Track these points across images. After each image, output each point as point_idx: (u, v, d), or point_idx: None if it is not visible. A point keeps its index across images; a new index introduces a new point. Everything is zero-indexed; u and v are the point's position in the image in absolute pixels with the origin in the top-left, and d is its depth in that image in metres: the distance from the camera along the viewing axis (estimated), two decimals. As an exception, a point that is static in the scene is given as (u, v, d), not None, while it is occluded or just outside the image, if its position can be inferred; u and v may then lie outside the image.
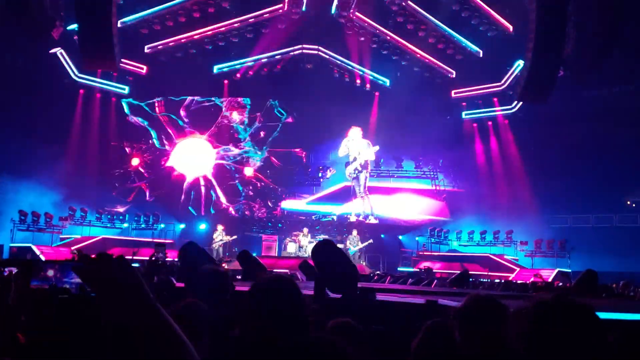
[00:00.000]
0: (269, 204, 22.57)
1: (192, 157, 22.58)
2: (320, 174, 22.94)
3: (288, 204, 22.58)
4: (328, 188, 22.90)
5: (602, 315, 2.01)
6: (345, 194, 22.40)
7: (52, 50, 19.91)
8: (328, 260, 4.78)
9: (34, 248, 17.05)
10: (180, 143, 22.56)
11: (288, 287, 2.09)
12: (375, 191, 22.03)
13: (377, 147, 21.11)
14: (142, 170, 22.06)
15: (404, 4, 18.88)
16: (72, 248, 16.55)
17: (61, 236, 18.91)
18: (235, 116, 22.83)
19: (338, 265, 4.73)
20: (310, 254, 5.25)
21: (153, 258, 8.76)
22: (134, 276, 1.38)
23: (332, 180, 22.96)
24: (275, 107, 22.75)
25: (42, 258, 16.13)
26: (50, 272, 3.97)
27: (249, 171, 22.77)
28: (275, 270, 16.24)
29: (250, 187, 22.77)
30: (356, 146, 21.50)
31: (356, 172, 21.34)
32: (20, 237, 17.82)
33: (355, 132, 21.72)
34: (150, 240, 19.24)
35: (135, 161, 22.08)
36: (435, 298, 4.56)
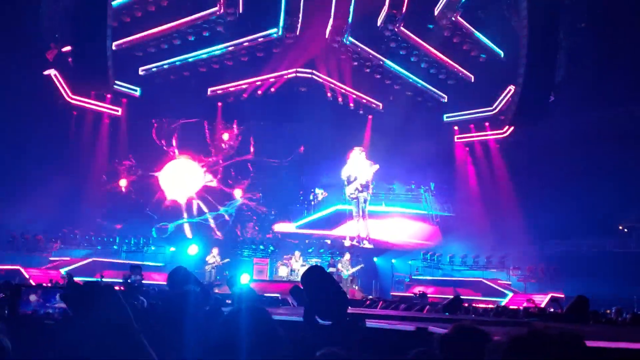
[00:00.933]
0: (255, 227, 22.54)
1: (180, 180, 22.57)
2: (312, 197, 22.92)
3: (279, 227, 22.51)
4: (319, 211, 22.88)
5: (591, 343, 1.99)
6: (337, 219, 22.39)
7: (47, 72, 19.92)
8: (318, 287, 4.72)
9: (22, 270, 16.82)
10: (168, 166, 22.59)
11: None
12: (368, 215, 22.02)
13: (377, 166, 21.15)
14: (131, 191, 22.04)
15: (396, 29, 19.12)
16: (62, 271, 16.34)
17: (50, 258, 18.69)
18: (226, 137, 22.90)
19: (328, 292, 4.67)
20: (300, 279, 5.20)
21: (129, 280, 8.61)
22: (120, 305, 1.40)
23: (324, 203, 22.95)
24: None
25: (30, 281, 15.92)
26: (33, 297, 3.90)
27: (238, 193, 22.76)
28: (266, 294, 16.12)
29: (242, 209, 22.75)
30: (357, 166, 21.50)
31: (357, 192, 21.30)
32: (10, 259, 17.59)
33: (356, 153, 21.76)
34: (141, 263, 19.05)
35: (123, 182, 22.08)
36: (426, 325, 4.50)
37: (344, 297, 4.92)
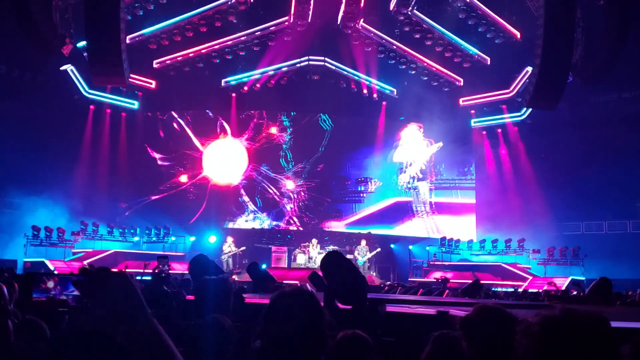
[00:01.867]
0: (305, 220, 22.60)
1: (224, 162, 22.78)
2: (361, 187, 22.73)
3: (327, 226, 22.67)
4: (373, 205, 22.70)
5: (616, 324, 1.95)
6: (397, 213, 22.20)
7: (63, 67, 20.14)
8: (337, 272, 4.74)
9: (47, 262, 17.20)
10: (212, 145, 22.76)
11: (309, 301, 2.09)
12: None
13: (439, 144, 20.43)
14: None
15: (410, 13, 18.92)
16: (84, 262, 16.61)
17: (73, 250, 19.04)
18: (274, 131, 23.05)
19: (347, 277, 4.68)
20: (319, 265, 5.23)
21: (157, 270, 8.77)
22: (132, 290, 1.43)
23: (378, 194, 22.87)
24: (320, 120, 23.02)
25: (55, 272, 16.21)
26: (51, 284, 3.99)
27: (290, 184, 22.93)
28: (285, 281, 16.22)
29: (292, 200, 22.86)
30: (413, 148, 20.74)
31: (414, 180, 20.59)
32: (34, 252, 17.97)
33: (410, 131, 21.16)
34: (162, 253, 19.27)
35: (183, 178, 22.60)
36: (446, 309, 4.49)
37: (363, 282, 4.94)
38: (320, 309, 2.08)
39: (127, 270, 14.05)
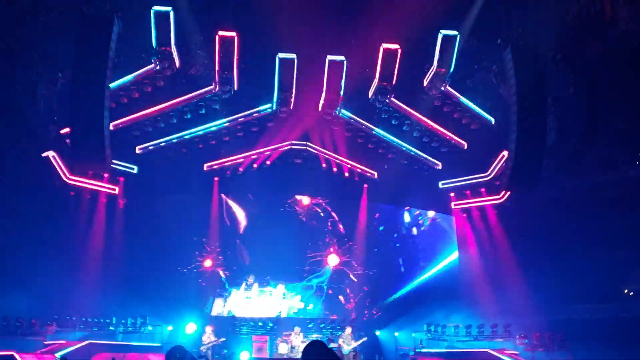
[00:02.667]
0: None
1: None
2: None
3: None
4: None
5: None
6: None
7: (45, 154, 20.13)
8: (318, 363, 4.55)
9: (17, 356, 16.27)
10: None
11: None
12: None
13: None
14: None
15: (387, 101, 19.56)
16: (57, 355, 15.82)
17: (45, 342, 18.16)
18: None
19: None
20: (301, 356, 5.03)
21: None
22: None
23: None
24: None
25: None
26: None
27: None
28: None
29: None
30: None
31: None
32: (4, 344, 17.09)
33: None
34: (138, 344, 18.55)
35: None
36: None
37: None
38: None
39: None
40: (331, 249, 24.36)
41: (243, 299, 23.35)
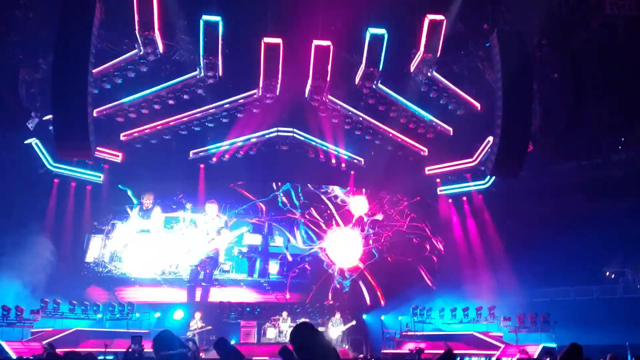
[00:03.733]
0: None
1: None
2: None
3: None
4: None
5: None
6: None
7: (28, 141, 19.88)
8: (307, 344, 4.58)
9: (3, 344, 16.19)
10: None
11: None
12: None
13: None
14: None
15: (374, 87, 19.53)
16: (43, 342, 15.74)
17: (32, 330, 18.04)
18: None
19: (317, 349, 4.53)
20: (289, 339, 5.06)
21: (130, 350, 8.37)
22: None
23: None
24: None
25: (12, 355, 15.33)
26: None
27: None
28: (254, 358, 15.65)
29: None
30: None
31: None
32: (-10, 333, 17.00)
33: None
34: (125, 331, 18.49)
35: None
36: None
37: (335, 354, 4.78)
38: None
39: (106, 349, 13.41)
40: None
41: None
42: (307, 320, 18.55)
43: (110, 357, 15.60)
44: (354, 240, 23.06)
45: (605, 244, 20.46)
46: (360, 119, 21.23)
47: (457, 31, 18.30)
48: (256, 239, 22.45)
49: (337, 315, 19.25)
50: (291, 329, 18.17)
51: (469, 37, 18.90)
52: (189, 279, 20.25)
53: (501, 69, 15.97)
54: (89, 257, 21.39)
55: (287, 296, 21.77)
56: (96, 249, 21.49)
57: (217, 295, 21.06)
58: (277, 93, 19.61)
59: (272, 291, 21.84)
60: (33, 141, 19.98)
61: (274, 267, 22.37)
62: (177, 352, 4.19)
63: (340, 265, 22.61)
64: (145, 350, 10.50)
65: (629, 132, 20.32)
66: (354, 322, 19.36)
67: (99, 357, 12.82)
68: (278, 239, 22.85)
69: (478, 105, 20.32)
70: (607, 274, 22.76)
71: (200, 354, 13.96)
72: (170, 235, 21.60)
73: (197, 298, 21.01)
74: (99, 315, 19.63)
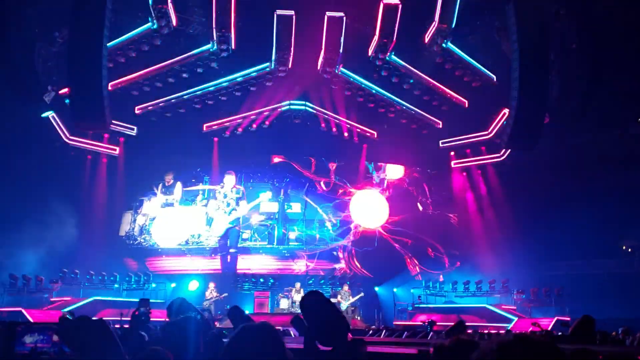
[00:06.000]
0: None
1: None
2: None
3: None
4: None
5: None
6: None
7: (44, 114, 20.11)
8: (316, 312, 4.66)
9: (24, 312, 16.70)
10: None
11: (270, 337, 2.09)
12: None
13: None
14: None
15: (387, 58, 19.35)
16: (63, 310, 16.18)
17: (52, 299, 18.56)
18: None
19: (327, 316, 4.61)
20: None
21: (137, 313, 8.53)
22: (111, 337, 1.42)
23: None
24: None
25: (32, 321, 15.77)
26: (30, 338, 3.85)
27: None
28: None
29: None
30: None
31: None
32: (11, 301, 17.49)
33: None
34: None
35: None
36: (427, 349, 4.43)
37: (344, 322, 4.86)
38: (281, 346, 2.11)
39: (122, 317, 13.73)
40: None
41: (158, 208, 21.23)
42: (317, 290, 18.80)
43: (126, 326, 15.99)
44: (380, 201, 23.01)
45: (622, 217, 20.29)
46: (373, 91, 21.09)
47: (472, 1, 17.96)
48: (273, 207, 22.54)
49: (346, 288, 19.51)
50: (304, 299, 18.27)
51: (485, 7, 18.54)
52: (219, 249, 20.64)
53: (517, 40, 15.68)
54: (122, 231, 22.32)
55: (308, 264, 21.77)
56: (126, 223, 22.37)
57: (241, 263, 21.38)
58: (290, 66, 19.54)
59: (291, 258, 21.98)
60: (50, 114, 20.19)
61: (292, 234, 22.51)
62: (187, 316, 4.30)
63: (365, 226, 22.63)
64: (151, 318, 10.71)
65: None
66: (362, 294, 19.59)
67: (116, 325, 13.11)
68: (295, 205, 22.94)
69: (494, 76, 20.06)
70: (624, 247, 22.62)
71: (215, 324, 14.23)
72: (192, 208, 21.93)
73: (228, 266, 21.36)
74: (116, 285, 20.05)
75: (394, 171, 23.64)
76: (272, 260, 22.01)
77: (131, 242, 21.73)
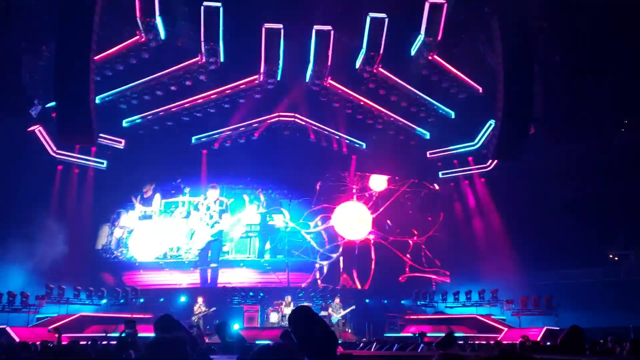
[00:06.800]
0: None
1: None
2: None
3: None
4: None
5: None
6: None
7: (31, 128, 19.97)
8: (304, 327, 4.65)
9: (9, 330, 16.40)
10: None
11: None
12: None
13: None
14: None
15: (375, 71, 19.48)
16: (49, 327, 15.96)
17: (37, 316, 18.29)
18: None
19: (315, 331, 4.60)
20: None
21: (123, 335, 8.50)
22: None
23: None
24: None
25: (17, 339, 15.53)
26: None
27: None
28: (257, 341, 15.80)
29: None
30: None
31: None
32: (-5, 319, 17.23)
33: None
34: (130, 315, 18.68)
35: None
36: (416, 361, 4.44)
37: (333, 336, 4.86)
38: None
39: (106, 335, 13.59)
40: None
41: (136, 221, 21.29)
42: (309, 305, 18.78)
43: (114, 342, 15.84)
44: (363, 213, 23.02)
45: (609, 226, 20.48)
46: (362, 103, 21.20)
47: (457, 14, 18.16)
48: (255, 219, 22.46)
49: (337, 300, 19.45)
50: (293, 312, 18.15)
51: (470, 20, 18.75)
52: (199, 263, 20.45)
53: (502, 52, 15.90)
54: (98, 245, 21.93)
55: (288, 277, 21.61)
56: (104, 236, 21.94)
57: (221, 277, 21.20)
58: (278, 78, 19.61)
59: (272, 271, 21.84)
60: (36, 128, 20.06)
61: (272, 246, 22.46)
62: (174, 335, 4.26)
63: (349, 238, 22.62)
64: (140, 334, 10.64)
65: (631, 114, 20.21)
66: (353, 307, 19.54)
67: (104, 342, 12.99)
68: (277, 217, 22.90)
69: (480, 88, 20.24)
70: (611, 256, 22.77)
71: (204, 339, 14.12)
72: (171, 220, 21.74)
73: (209, 280, 21.16)
74: (104, 301, 19.84)
75: (377, 183, 23.69)
76: (253, 273, 21.90)
77: (107, 255, 21.45)
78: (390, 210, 23.27)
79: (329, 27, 17.83)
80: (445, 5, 17.14)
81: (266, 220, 22.61)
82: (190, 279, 21.14)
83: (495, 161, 21.27)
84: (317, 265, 22.14)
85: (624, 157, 19.98)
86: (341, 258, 22.53)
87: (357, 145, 23.03)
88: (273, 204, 22.94)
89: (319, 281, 21.89)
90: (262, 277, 21.82)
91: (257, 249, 22.17)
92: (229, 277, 21.21)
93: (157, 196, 21.35)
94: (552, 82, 18.19)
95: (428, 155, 23.07)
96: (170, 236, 21.25)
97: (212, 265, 20.14)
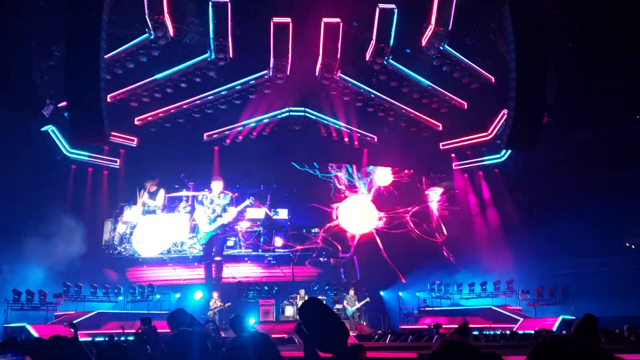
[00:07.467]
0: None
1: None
2: None
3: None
4: None
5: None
6: None
7: (44, 128, 20.15)
8: (315, 319, 4.64)
9: (29, 327, 16.67)
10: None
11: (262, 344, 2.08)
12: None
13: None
14: None
15: (385, 62, 19.35)
16: (64, 322, 16.14)
17: (56, 313, 18.52)
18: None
19: (326, 323, 4.59)
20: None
21: (139, 331, 8.56)
22: (83, 353, 1.42)
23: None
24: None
25: (36, 336, 15.74)
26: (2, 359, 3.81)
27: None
28: (272, 335, 15.86)
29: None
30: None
31: None
32: (15, 317, 17.46)
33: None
34: (146, 312, 18.84)
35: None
36: (428, 352, 4.40)
37: (343, 328, 4.84)
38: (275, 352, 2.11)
39: (123, 330, 13.71)
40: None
41: (139, 216, 21.26)
42: (323, 298, 18.79)
43: (131, 338, 15.99)
44: (368, 207, 22.97)
45: (625, 214, 20.21)
46: (372, 95, 21.10)
47: (468, 3, 17.97)
48: (259, 213, 22.47)
49: (351, 293, 19.43)
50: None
51: (481, 8, 18.54)
52: (204, 258, 20.48)
53: (514, 40, 15.69)
54: (103, 241, 21.96)
55: (293, 271, 21.41)
56: (107, 232, 21.98)
57: (225, 271, 21.23)
58: (288, 73, 19.55)
59: (277, 265, 21.85)
60: (49, 128, 20.24)
61: (278, 241, 22.43)
62: (184, 330, 4.28)
63: (353, 232, 22.59)
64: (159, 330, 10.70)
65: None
66: (367, 300, 19.50)
67: (121, 338, 13.11)
68: (282, 211, 22.86)
69: (492, 77, 20.04)
70: (627, 244, 22.52)
71: (220, 333, 14.18)
72: (175, 215, 21.81)
73: (213, 275, 21.18)
74: (120, 298, 20.02)
75: (382, 177, 23.63)
76: (257, 267, 21.89)
77: (111, 251, 21.54)
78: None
79: (337, 20, 17.74)
80: (455, -7, 16.96)
81: (271, 215, 22.60)
82: (195, 274, 21.15)
83: (509, 151, 21.07)
84: (323, 260, 22.07)
85: (640, 144, 19.74)
86: (352, 251, 22.49)
87: (369, 139, 22.91)
88: (278, 198, 22.91)
89: (332, 275, 21.86)
90: (267, 272, 21.75)
91: (262, 243, 22.16)
92: (233, 272, 21.21)
93: (162, 191, 21.43)
94: (565, 70, 17.94)
95: (441, 147, 22.91)
96: (174, 231, 21.30)
97: (217, 259, 20.15)
